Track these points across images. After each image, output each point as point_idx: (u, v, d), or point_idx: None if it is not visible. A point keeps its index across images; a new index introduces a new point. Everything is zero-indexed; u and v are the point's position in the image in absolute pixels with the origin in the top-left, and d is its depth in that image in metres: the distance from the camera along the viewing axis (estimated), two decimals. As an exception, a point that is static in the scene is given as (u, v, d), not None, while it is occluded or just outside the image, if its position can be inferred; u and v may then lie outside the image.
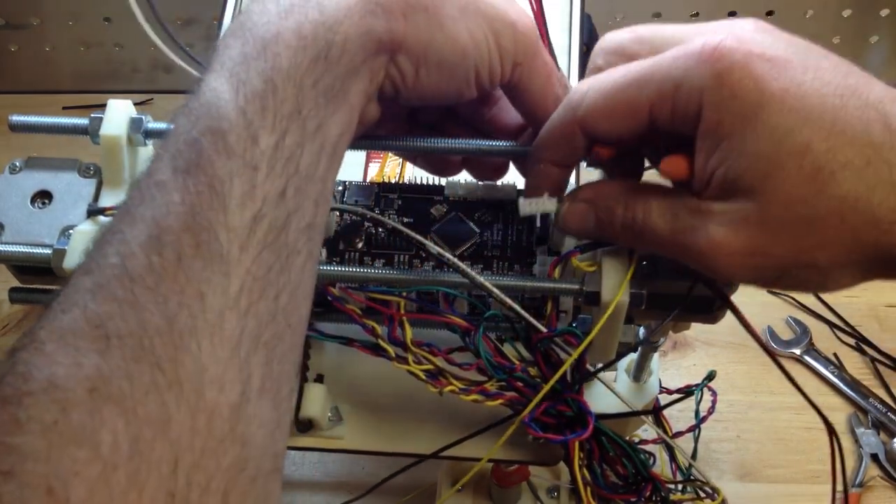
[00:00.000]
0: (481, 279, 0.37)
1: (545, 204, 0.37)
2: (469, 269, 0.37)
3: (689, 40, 0.33)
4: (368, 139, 0.38)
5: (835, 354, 0.73)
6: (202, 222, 0.28)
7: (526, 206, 0.37)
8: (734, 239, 0.32)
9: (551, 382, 0.38)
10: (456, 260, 0.38)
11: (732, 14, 0.84)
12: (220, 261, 0.28)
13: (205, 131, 0.29)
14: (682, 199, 0.34)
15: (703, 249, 0.33)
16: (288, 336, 0.30)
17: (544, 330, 0.38)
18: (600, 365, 0.41)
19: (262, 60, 0.30)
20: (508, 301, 0.38)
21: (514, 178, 0.44)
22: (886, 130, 0.30)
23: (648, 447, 0.49)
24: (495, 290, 0.37)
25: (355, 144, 0.35)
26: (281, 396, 0.30)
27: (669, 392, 0.51)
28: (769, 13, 0.84)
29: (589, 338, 0.37)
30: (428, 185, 0.45)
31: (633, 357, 0.51)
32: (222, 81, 0.30)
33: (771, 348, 0.71)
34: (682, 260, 0.34)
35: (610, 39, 0.36)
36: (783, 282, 0.33)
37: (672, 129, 0.33)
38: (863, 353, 0.72)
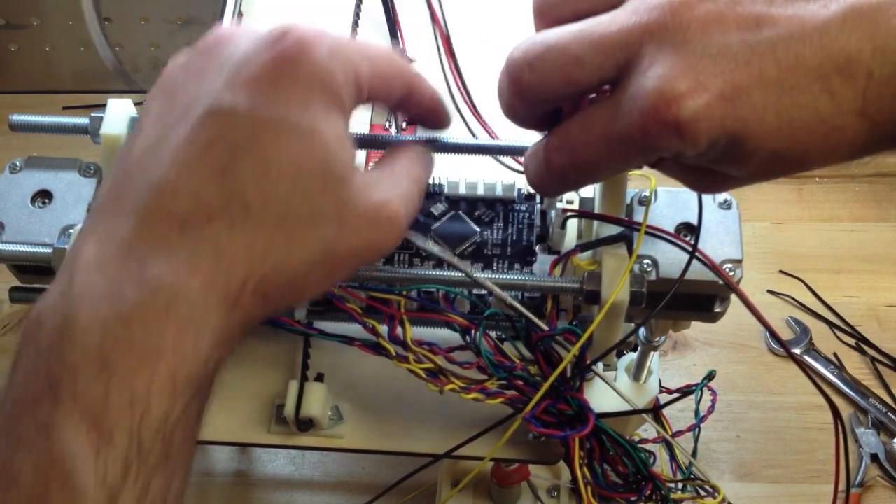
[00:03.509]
0: (482, 277, 0.37)
1: None
2: (469, 268, 0.37)
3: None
4: (369, 140, 0.38)
5: (835, 354, 0.73)
6: None
7: None
8: (674, 71, 0.27)
9: (552, 377, 0.38)
10: (456, 259, 0.38)
11: None
12: None
13: None
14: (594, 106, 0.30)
15: (645, 107, 0.28)
16: None
17: (545, 328, 0.38)
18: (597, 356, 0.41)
19: (129, 415, 0.26)
20: (509, 299, 0.38)
21: (514, 177, 0.44)
22: None
23: (648, 446, 0.49)
24: (496, 289, 0.37)
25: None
26: None
27: (669, 392, 0.51)
28: None
29: (588, 331, 0.37)
30: (427, 184, 0.45)
31: (633, 357, 0.51)
32: (81, 434, 0.26)
33: (772, 345, 0.71)
34: (635, 158, 0.30)
35: None
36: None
37: None
38: (863, 353, 0.72)
